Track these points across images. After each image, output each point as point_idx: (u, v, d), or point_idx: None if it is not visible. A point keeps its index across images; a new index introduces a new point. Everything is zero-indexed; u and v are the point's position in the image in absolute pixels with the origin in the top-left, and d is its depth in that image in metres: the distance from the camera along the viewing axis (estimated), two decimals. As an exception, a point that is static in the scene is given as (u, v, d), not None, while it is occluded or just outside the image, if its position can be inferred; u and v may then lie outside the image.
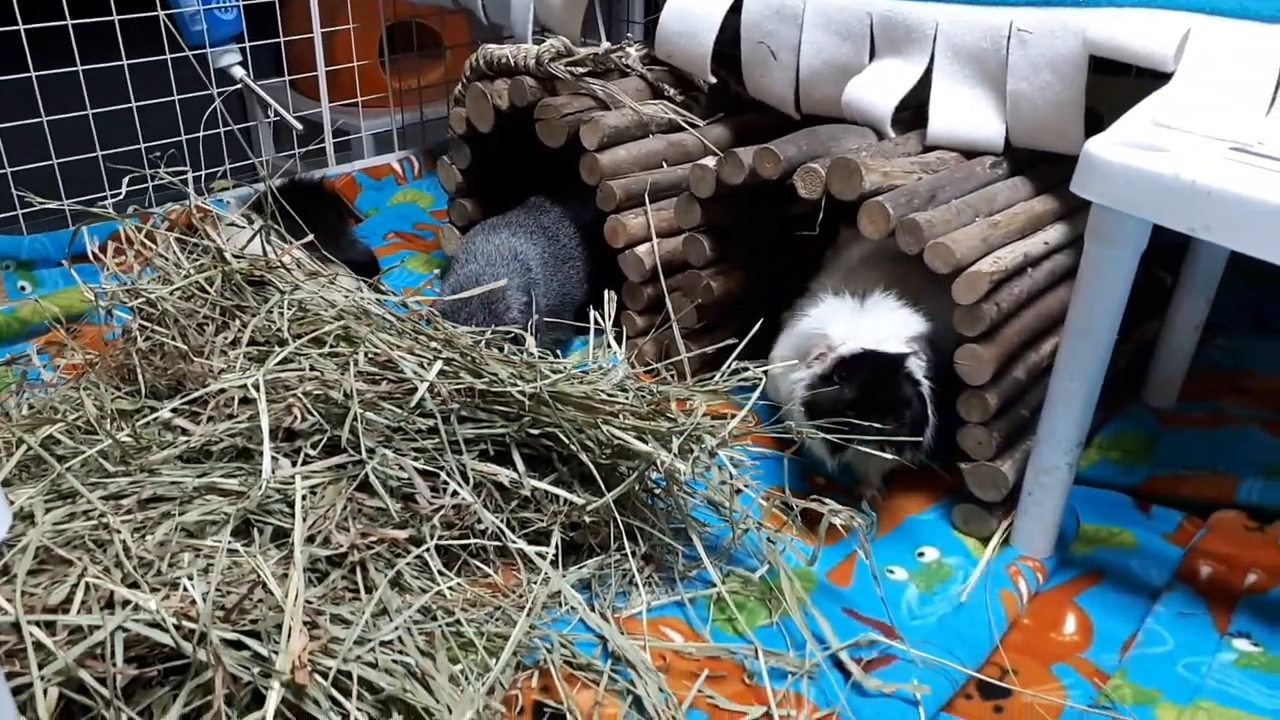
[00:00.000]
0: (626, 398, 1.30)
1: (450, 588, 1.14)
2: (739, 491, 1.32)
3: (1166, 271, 1.72)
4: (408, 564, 1.13)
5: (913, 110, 1.68)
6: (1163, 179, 1.14)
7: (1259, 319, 1.93)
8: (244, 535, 1.10)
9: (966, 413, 1.37)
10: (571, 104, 1.82)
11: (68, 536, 1.03)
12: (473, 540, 1.19)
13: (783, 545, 1.31)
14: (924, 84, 1.65)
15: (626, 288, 1.78)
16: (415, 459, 1.21)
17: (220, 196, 2.06)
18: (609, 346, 1.44)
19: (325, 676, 0.93)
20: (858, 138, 1.66)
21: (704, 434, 1.25)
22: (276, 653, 0.92)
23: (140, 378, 1.29)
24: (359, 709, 0.92)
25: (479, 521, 1.21)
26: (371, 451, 1.17)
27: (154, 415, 1.19)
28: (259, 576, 0.97)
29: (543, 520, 1.27)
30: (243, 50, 2.27)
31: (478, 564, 1.23)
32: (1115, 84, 1.65)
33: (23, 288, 1.96)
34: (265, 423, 1.13)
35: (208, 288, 1.36)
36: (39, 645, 0.89)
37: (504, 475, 1.23)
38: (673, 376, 1.38)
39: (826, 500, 1.25)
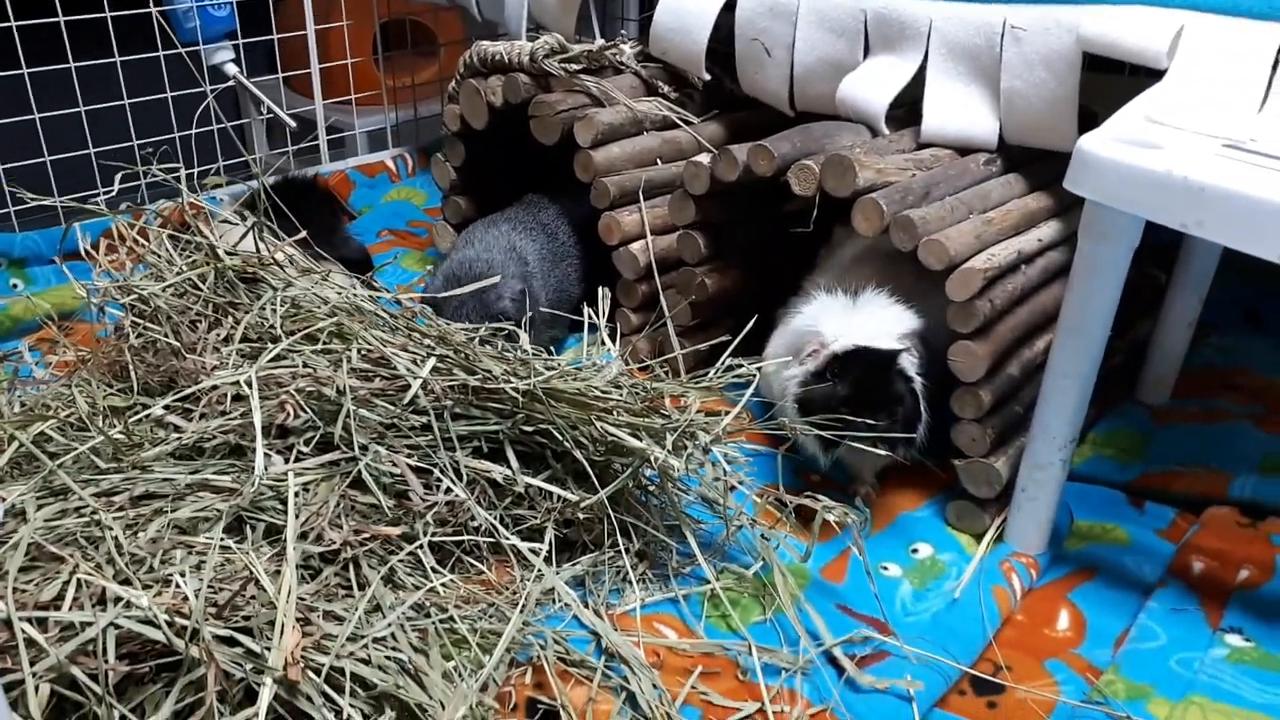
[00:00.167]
0: (620, 394, 1.30)
1: (444, 584, 1.14)
2: (733, 488, 1.32)
3: (1160, 269, 1.72)
4: (401, 561, 1.13)
5: (907, 107, 1.68)
6: (1155, 175, 1.14)
7: (1251, 316, 1.94)
8: (236, 532, 1.10)
9: (960, 409, 1.37)
10: (566, 101, 1.82)
11: (60, 533, 1.03)
12: (466, 537, 1.19)
13: (777, 542, 1.30)
14: (918, 81, 1.65)
15: (621, 285, 1.77)
16: (408, 456, 1.21)
17: (213, 194, 2.05)
18: (603, 343, 1.44)
19: (318, 673, 0.93)
20: (852, 135, 1.66)
21: (698, 430, 1.25)
22: (269, 649, 0.91)
23: (132, 375, 1.29)
24: (352, 705, 0.92)
25: (472, 518, 1.21)
26: (364, 448, 1.17)
27: (146, 412, 1.19)
28: (251, 573, 0.97)
29: (536, 517, 1.27)
30: (236, 47, 2.27)
31: (471, 561, 1.23)
32: (1109, 82, 1.66)
33: (15, 285, 1.95)
34: (258, 419, 1.13)
35: (200, 285, 1.36)
36: (31, 642, 0.89)
37: (497, 472, 1.23)
38: (667, 373, 1.38)
39: (820, 497, 1.25)
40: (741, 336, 1.42)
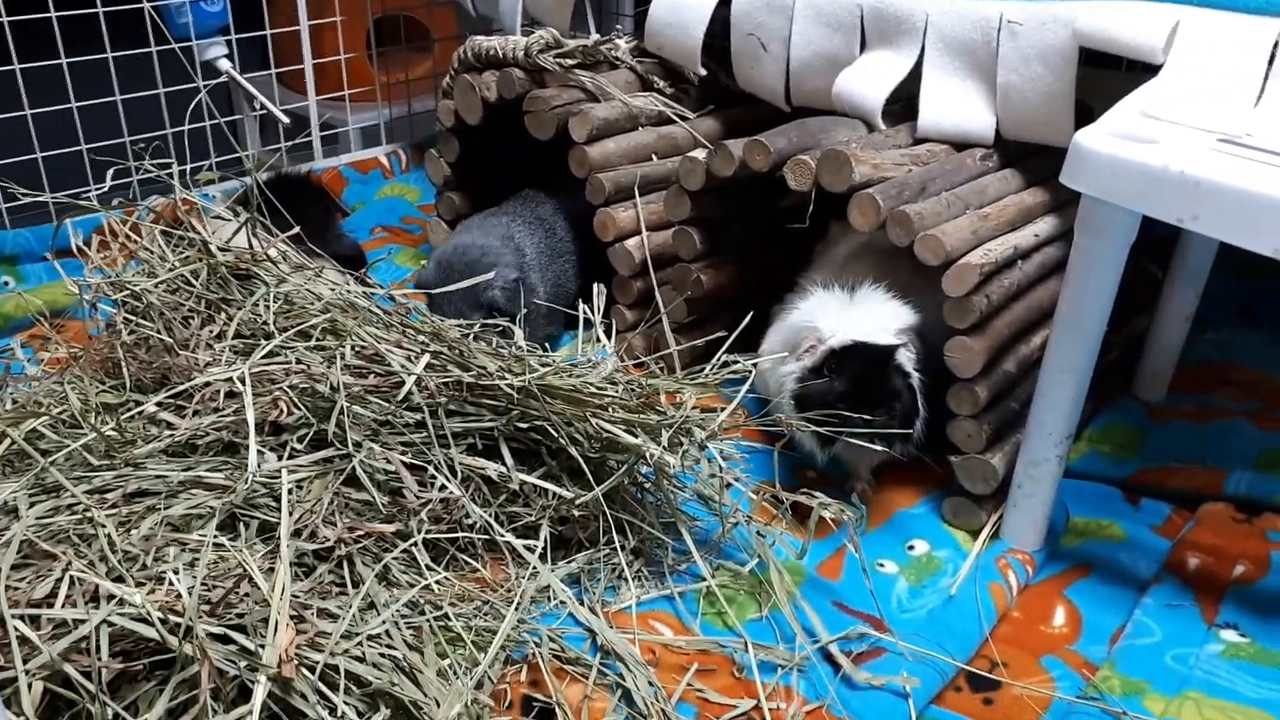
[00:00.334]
0: (615, 391, 1.29)
1: (438, 582, 1.13)
2: (729, 485, 1.32)
3: (1156, 265, 1.72)
4: (395, 558, 1.13)
5: (903, 102, 1.67)
6: (1152, 170, 1.14)
7: (1247, 311, 1.94)
8: (230, 530, 1.09)
9: (956, 405, 1.37)
10: (560, 96, 1.81)
11: (52, 530, 1.02)
12: (461, 535, 1.18)
13: (772, 539, 1.30)
14: (915, 76, 1.65)
15: (616, 281, 1.77)
16: (403, 453, 1.20)
17: (206, 190, 2.04)
18: (598, 340, 1.43)
19: (312, 670, 0.93)
20: (848, 130, 1.66)
21: (693, 427, 1.25)
22: (263, 647, 0.91)
23: (125, 371, 1.28)
24: (346, 703, 0.92)
25: (467, 516, 1.20)
26: (358, 445, 1.16)
27: (139, 409, 1.18)
28: (245, 570, 0.96)
29: (531, 514, 1.26)
30: (229, 43, 2.26)
31: (466, 559, 1.22)
32: (1105, 77, 1.65)
33: (6, 282, 1.94)
34: (251, 416, 1.12)
35: (193, 281, 1.35)
36: (24, 639, 0.88)
37: (492, 469, 1.23)
38: (662, 370, 1.38)
39: (816, 494, 1.25)
40: (737, 333, 1.41)
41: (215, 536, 1.03)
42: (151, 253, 1.39)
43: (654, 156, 1.83)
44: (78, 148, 2.04)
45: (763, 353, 1.50)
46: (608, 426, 1.24)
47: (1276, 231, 1.08)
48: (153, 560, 1.00)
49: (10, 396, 1.34)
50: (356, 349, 1.27)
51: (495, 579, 1.20)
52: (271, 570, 0.98)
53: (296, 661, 0.90)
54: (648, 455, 1.20)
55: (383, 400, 1.22)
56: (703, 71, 1.90)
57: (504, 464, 1.24)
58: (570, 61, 1.85)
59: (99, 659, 0.88)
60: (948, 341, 1.36)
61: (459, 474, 1.21)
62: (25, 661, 0.87)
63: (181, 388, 1.20)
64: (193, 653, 0.88)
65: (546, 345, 1.73)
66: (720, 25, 1.83)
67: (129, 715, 0.89)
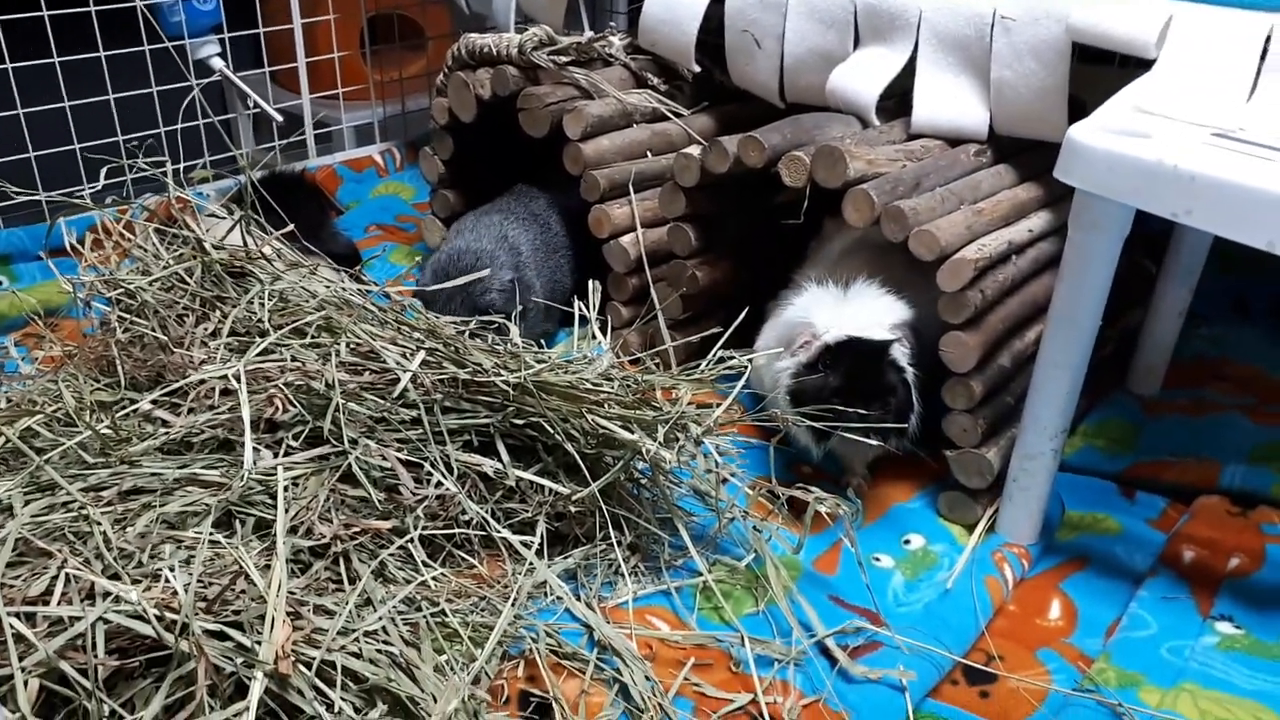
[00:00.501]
0: (611, 387, 1.29)
1: (435, 578, 1.13)
2: (725, 481, 1.32)
3: (1150, 259, 1.73)
4: (391, 555, 1.13)
5: (897, 98, 1.68)
6: (1145, 164, 1.14)
7: (1241, 306, 1.94)
8: (226, 527, 1.09)
9: (951, 400, 1.37)
10: (554, 93, 1.81)
11: (47, 528, 1.02)
12: (457, 531, 1.18)
13: (768, 534, 1.30)
14: (909, 72, 1.65)
15: (611, 278, 1.77)
16: (398, 450, 1.20)
17: (200, 189, 2.04)
18: (594, 337, 1.43)
19: (309, 666, 0.92)
20: (842, 126, 1.66)
21: (689, 422, 1.25)
22: (260, 643, 0.91)
23: (119, 369, 1.28)
24: (343, 699, 0.92)
25: (463, 512, 1.20)
26: (354, 442, 1.16)
27: (134, 407, 1.18)
28: (241, 567, 0.96)
29: (528, 510, 1.26)
30: (222, 41, 2.25)
31: (463, 555, 1.22)
32: (1099, 73, 1.66)
33: (0, 282, 1.94)
34: (246, 413, 1.12)
35: (187, 279, 1.35)
36: (19, 637, 0.88)
37: (488, 465, 1.23)
38: (658, 366, 1.38)
39: (812, 488, 1.25)
40: (733, 329, 1.42)
41: (211, 534, 1.03)
42: (146, 251, 1.39)
43: (649, 153, 1.83)
44: (71, 146, 2.04)
45: (758, 349, 1.50)
46: (603, 422, 1.24)
47: (1270, 225, 1.09)
48: (148, 557, 1.00)
49: (5, 395, 1.34)
50: (351, 346, 1.27)
51: (492, 575, 1.20)
52: (268, 567, 0.98)
53: (293, 658, 0.90)
54: (644, 451, 1.21)
55: (378, 397, 1.22)
56: (697, 68, 1.90)
57: (500, 460, 1.24)
58: (564, 59, 1.85)
59: (95, 656, 0.88)
60: (943, 336, 1.37)
61: (455, 470, 1.20)
62: (21, 659, 0.86)
63: (176, 385, 1.20)
64: (189, 649, 0.88)
65: (542, 342, 1.73)
66: (714, 22, 1.83)
67: (125, 713, 0.89)
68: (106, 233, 1.48)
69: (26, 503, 1.04)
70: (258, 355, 1.23)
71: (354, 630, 0.98)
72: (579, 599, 1.18)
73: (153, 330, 1.29)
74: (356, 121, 2.60)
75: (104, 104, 2.07)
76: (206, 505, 1.07)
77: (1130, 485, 1.50)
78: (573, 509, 1.26)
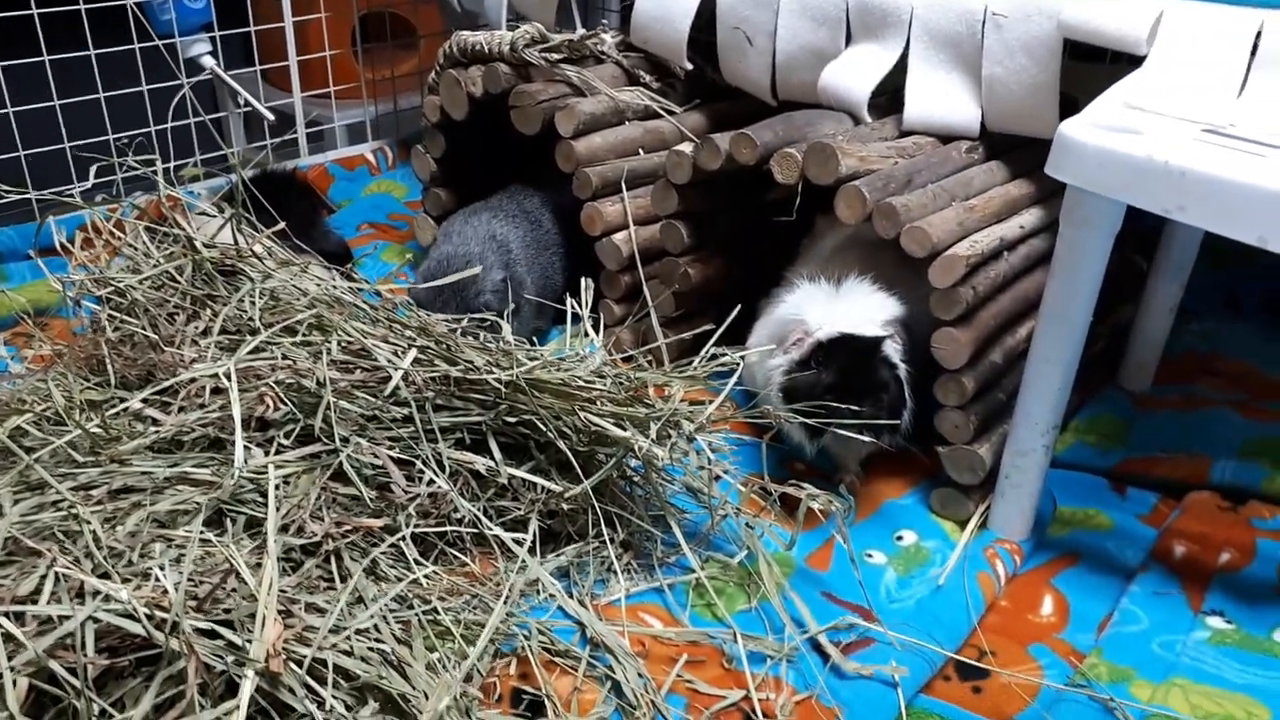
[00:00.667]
0: (604, 384, 1.29)
1: (427, 576, 1.13)
2: (718, 478, 1.32)
3: (1141, 256, 1.73)
4: (383, 553, 1.12)
5: (889, 95, 1.68)
6: (1136, 160, 1.14)
7: (1232, 302, 1.95)
8: (217, 526, 1.09)
9: (943, 396, 1.38)
10: (546, 91, 1.80)
11: (37, 527, 1.02)
12: (449, 528, 1.18)
13: (761, 530, 1.30)
14: (900, 68, 1.65)
15: (604, 276, 1.77)
16: (390, 448, 1.20)
17: (191, 188, 2.03)
18: (586, 334, 1.43)
19: (300, 665, 0.92)
20: (834, 123, 1.66)
21: (681, 419, 1.25)
22: (251, 642, 0.90)
23: (109, 368, 1.27)
24: (335, 697, 0.91)
25: (455, 510, 1.20)
26: (345, 440, 1.16)
27: (123, 405, 1.17)
28: (232, 566, 0.96)
29: (520, 508, 1.26)
30: (212, 40, 2.24)
31: (455, 553, 1.22)
32: (1090, 70, 1.66)
33: (-11, 281, 1.93)
34: (237, 411, 1.12)
35: (178, 277, 1.34)
36: (8, 636, 0.87)
37: (480, 463, 1.22)
38: (650, 364, 1.38)
39: (805, 485, 1.25)
40: (725, 326, 1.41)
41: (202, 532, 1.03)
42: (136, 249, 1.38)
43: (641, 151, 1.83)
44: (61, 145, 2.03)
45: (750, 346, 1.50)
46: (596, 420, 1.24)
47: (1261, 220, 1.09)
48: (139, 556, 0.99)
49: (-6, 394, 1.33)
50: (343, 344, 1.27)
51: (484, 573, 1.20)
52: (259, 565, 0.97)
53: (284, 656, 0.90)
54: (636, 448, 1.20)
55: (370, 395, 1.22)
56: (689, 66, 1.89)
57: (492, 458, 1.24)
58: (556, 56, 1.85)
59: (85, 655, 0.88)
60: (934, 333, 1.37)
61: (446, 468, 1.20)
62: (10, 658, 0.86)
63: (167, 384, 1.19)
64: (179, 648, 0.88)
65: (534, 340, 1.73)
66: (706, 19, 1.83)
67: (115, 711, 0.89)
68: (96, 231, 1.47)
69: (16, 502, 1.04)
70: (249, 353, 1.23)
71: (345, 628, 0.97)
72: (571, 596, 1.18)
73: (143, 329, 1.28)
74: (348, 120, 2.60)
75: (94, 103, 2.06)
76: (197, 504, 1.06)
77: (1122, 481, 1.50)
78: (565, 507, 1.26)
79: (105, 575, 0.95)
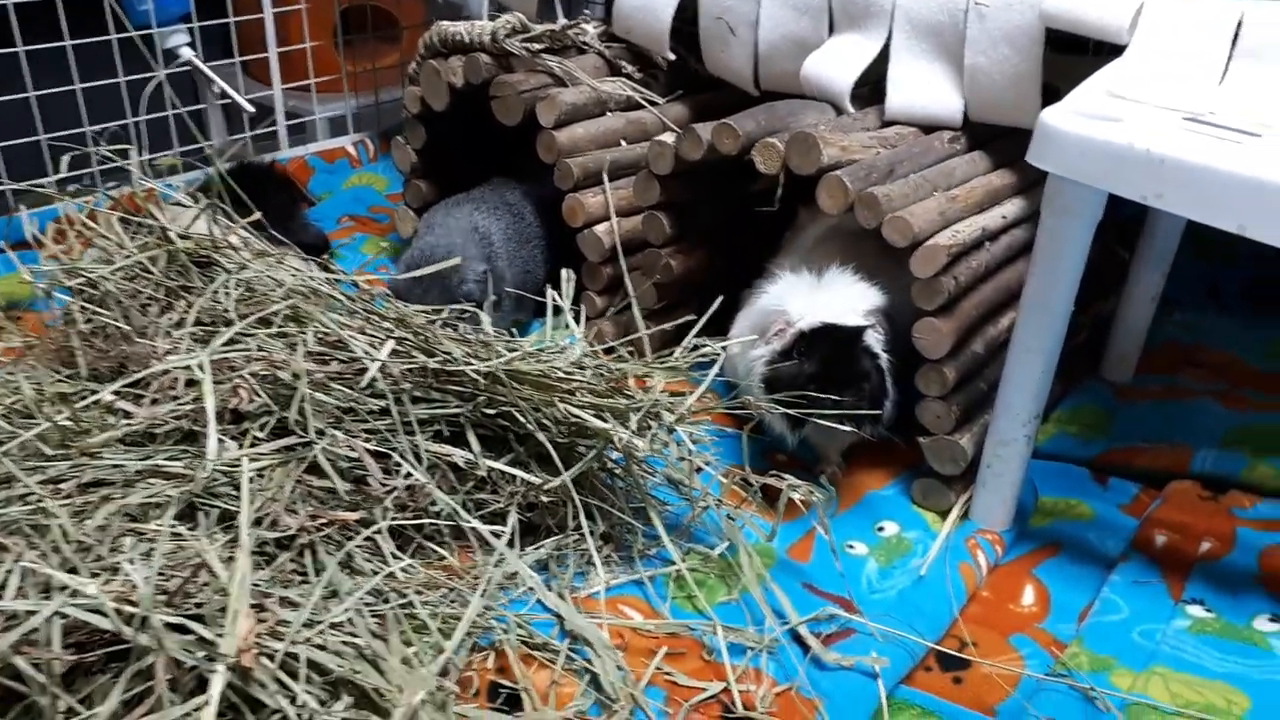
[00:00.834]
0: (584, 376, 1.28)
1: (404, 570, 1.12)
2: (699, 470, 1.31)
3: (1124, 247, 1.73)
4: (359, 546, 1.11)
5: (872, 85, 1.67)
6: (1117, 148, 1.14)
7: (1214, 293, 1.95)
8: (190, 520, 1.07)
9: (925, 386, 1.37)
10: (528, 81, 1.79)
11: (4, 522, 1.00)
12: (426, 521, 1.17)
13: (742, 522, 1.29)
14: (883, 59, 1.64)
15: (586, 268, 1.75)
16: (366, 440, 1.18)
17: (169, 180, 2.01)
18: (568, 326, 1.42)
19: (272, 659, 0.91)
20: (816, 113, 1.65)
21: (662, 410, 1.24)
22: (222, 636, 0.89)
23: (80, 360, 1.25)
24: (308, 692, 0.90)
25: (433, 503, 1.18)
26: (321, 433, 1.14)
27: (94, 398, 1.16)
28: (203, 560, 0.94)
29: (499, 501, 1.25)
30: (191, 31, 2.22)
31: (433, 547, 1.21)
32: (1073, 63, 1.65)
33: (-37, 274, 1.90)
34: (210, 403, 1.10)
35: (151, 267, 1.32)
36: (-29, 633, 0.86)
37: (458, 456, 1.21)
38: (632, 355, 1.36)
39: (785, 476, 1.25)
40: (707, 316, 1.41)
41: (173, 526, 1.01)
42: (109, 239, 1.36)
43: (623, 142, 1.81)
44: (36, 138, 2.00)
45: (732, 337, 1.50)
46: (575, 411, 1.22)
47: (1241, 208, 1.09)
48: (108, 551, 0.98)
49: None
50: (319, 336, 1.25)
51: (463, 566, 1.19)
52: (232, 560, 0.96)
53: (256, 650, 0.88)
54: (616, 439, 1.19)
55: (346, 387, 1.20)
56: (671, 56, 1.88)
57: (471, 450, 1.22)
58: (537, 46, 1.84)
59: (51, 651, 0.86)
60: (916, 323, 1.36)
61: (424, 461, 1.19)
62: (-25, 655, 0.84)
63: (138, 376, 1.18)
64: (148, 643, 0.86)
65: (514, 332, 1.71)
66: (689, 9, 1.82)
67: (83, 708, 0.87)
68: (69, 222, 1.45)
69: (-17, 496, 1.02)
70: (223, 345, 1.21)
71: (319, 622, 0.96)
72: (550, 589, 1.17)
73: (115, 320, 1.26)
74: (329, 113, 2.57)
75: (70, 94, 2.04)
76: (169, 497, 1.05)
77: (1103, 471, 1.50)
78: (545, 499, 1.25)
79: (74, 570, 0.93)
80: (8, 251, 1.64)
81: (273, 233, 1.45)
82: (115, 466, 1.08)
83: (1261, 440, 1.50)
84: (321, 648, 0.95)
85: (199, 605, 0.94)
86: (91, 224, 1.42)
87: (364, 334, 1.25)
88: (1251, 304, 1.89)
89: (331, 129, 2.60)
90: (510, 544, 1.20)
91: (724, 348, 1.37)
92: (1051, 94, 1.50)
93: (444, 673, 1.00)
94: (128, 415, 1.15)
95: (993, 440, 1.34)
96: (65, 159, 1.45)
